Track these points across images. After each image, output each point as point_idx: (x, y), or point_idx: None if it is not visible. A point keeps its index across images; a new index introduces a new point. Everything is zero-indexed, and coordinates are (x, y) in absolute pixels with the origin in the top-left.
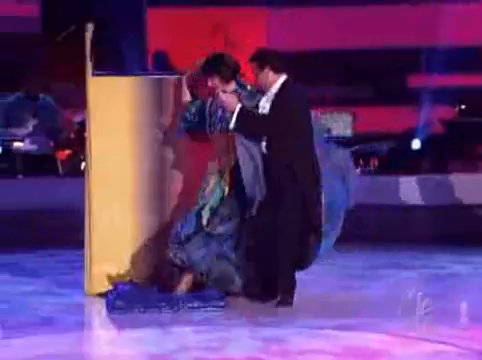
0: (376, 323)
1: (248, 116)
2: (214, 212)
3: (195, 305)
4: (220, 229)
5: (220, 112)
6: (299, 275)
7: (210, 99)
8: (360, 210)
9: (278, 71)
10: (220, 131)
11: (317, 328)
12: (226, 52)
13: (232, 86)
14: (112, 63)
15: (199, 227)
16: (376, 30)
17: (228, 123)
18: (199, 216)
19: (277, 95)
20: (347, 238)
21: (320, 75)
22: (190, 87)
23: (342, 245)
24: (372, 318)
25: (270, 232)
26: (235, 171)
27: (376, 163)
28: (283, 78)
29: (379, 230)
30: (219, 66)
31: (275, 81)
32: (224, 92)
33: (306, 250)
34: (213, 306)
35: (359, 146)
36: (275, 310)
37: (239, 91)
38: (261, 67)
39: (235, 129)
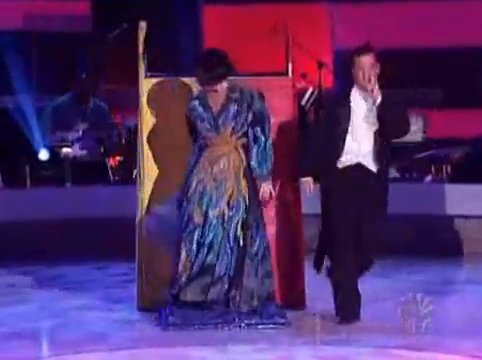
0: (445, 342)
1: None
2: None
3: (253, 322)
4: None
5: (234, 109)
6: (363, 290)
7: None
8: (434, 221)
9: None
10: (233, 129)
11: (382, 347)
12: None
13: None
14: (166, 63)
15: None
16: (448, 27)
17: (242, 121)
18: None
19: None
20: (421, 251)
21: (389, 75)
22: None
23: (414, 258)
24: (441, 337)
25: None
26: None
27: (449, 170)
28: None
29: (454, 242)
30: (231, 67)
31: None
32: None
33: None
34: (273, 323)
35: (431, 152)
36: (338, 328)
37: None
38: (377, 61)
39: None
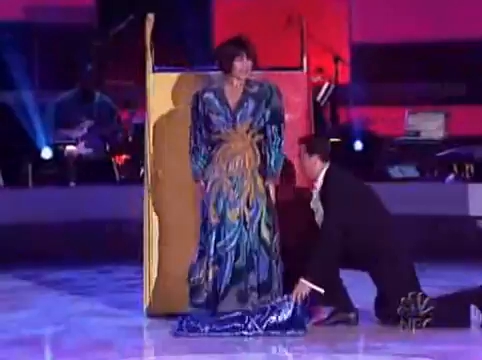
0: (465, 350)
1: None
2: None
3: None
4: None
5: (252, 105)
6: None
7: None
8: (456, 222)
9: (324, 160)
10: (250, 125)
11: (405, 355)
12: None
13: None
14: (175, 58)
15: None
16: (471, 20)
17: (259, 118)
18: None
19: (322, 192)
20: (442, 253)
21: (409, 70)
22: None
23: (435, 261)
24: (462, 345)
25: None
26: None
27: (472, 170)
28: (326, 168)
29: (477, 244)
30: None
31: (320, 172)
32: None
33: None
34: (291, 330)
35: (453, 150)
36: (357, 335)
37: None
38: (310, 153)
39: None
